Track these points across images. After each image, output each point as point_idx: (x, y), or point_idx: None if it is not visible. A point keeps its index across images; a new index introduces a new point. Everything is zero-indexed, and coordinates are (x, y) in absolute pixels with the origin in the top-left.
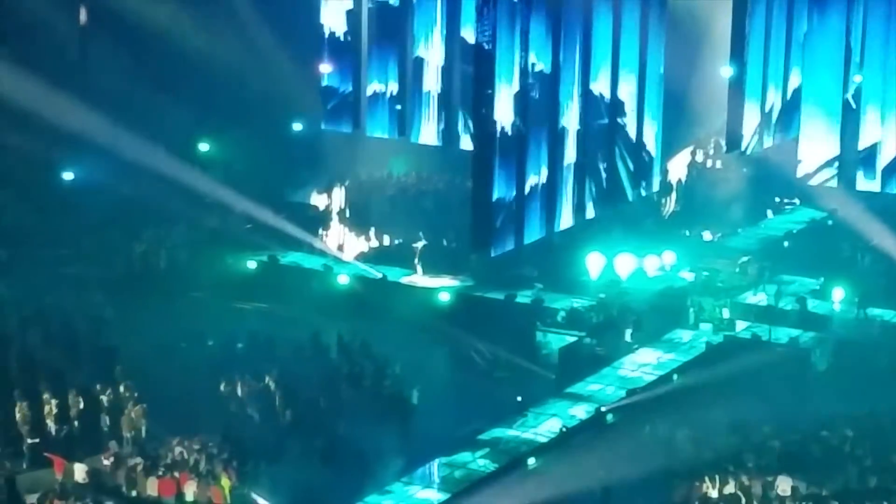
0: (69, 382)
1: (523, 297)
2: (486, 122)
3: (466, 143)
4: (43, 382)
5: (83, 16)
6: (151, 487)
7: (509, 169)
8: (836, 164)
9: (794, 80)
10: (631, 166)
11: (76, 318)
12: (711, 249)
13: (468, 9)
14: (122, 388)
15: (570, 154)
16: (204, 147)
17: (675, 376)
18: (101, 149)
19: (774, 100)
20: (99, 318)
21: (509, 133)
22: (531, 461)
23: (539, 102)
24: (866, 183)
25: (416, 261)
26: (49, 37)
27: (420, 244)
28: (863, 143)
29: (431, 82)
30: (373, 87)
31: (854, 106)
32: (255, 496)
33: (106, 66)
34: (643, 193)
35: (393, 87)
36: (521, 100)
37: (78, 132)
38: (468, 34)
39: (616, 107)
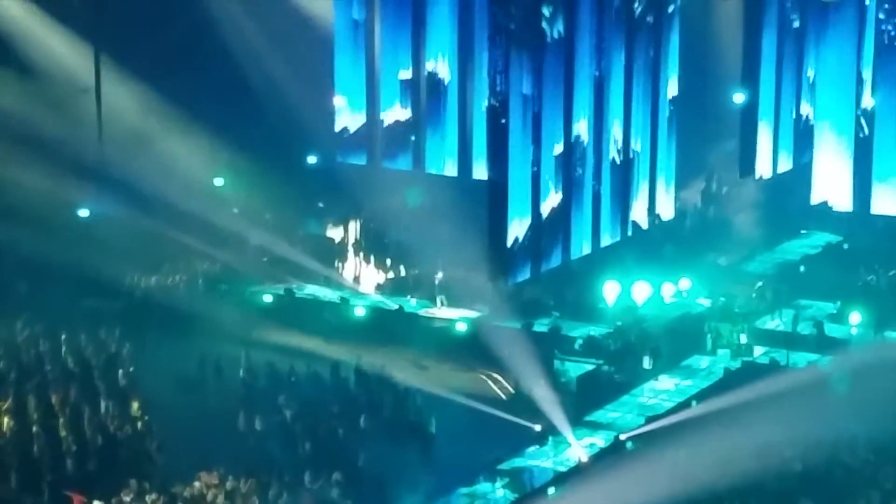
0: (88, 418)
1: (541, 326)
2: (501, 151)
3: (482, 173)
4: (61, 418)
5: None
6: None
7: (525, 198)
8: (851, 187)
9: (807, 105)
10: (646, 193)
11: (94, 352)
12: (727, 275)
13: (481, 38)
14: (139, 424)
15: (585, 182)
16: (219, 181)
17: (693, 403)
18: (118, 183)
19: (787, 124)
20: (116, 353)
21: (524, 162)
22: (551, 491)
23: (551, 132)
24: (882, 206)
25: (437, 292)
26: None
27: (440, 275)
28: (877, 165)
29: (445, 113)
30: (387, 119)
31: (867, 130)
32: None
33: (121, 100)
34: (658, 220)
35: (408, 118)
36: (535, 129)
37: (95, 167)
38: (481, 64)
39: (630, 134)
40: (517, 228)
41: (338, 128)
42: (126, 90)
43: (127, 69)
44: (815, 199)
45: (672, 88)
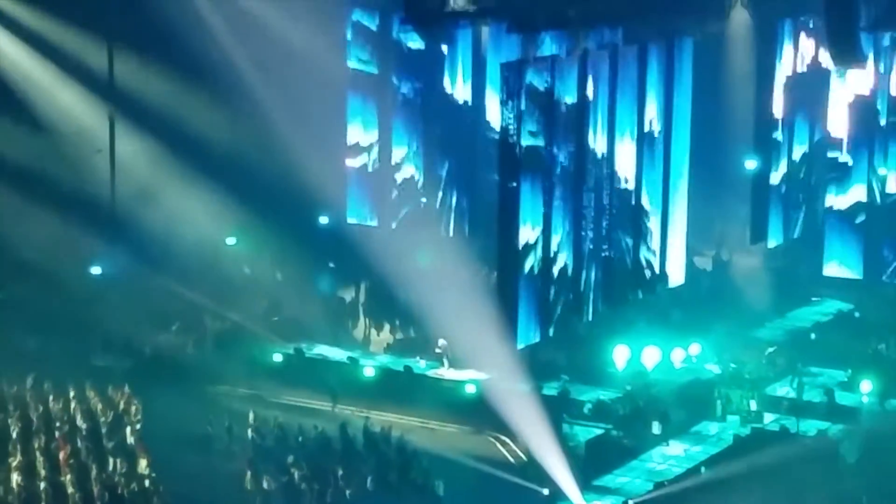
0: (95, 475)
1: (550, 389)
2: (511, 214)
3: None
4: (69, 475)
5: (112, 112)
6: None
7: (534, 261)
8: (862, 255)
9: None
10: (657, 258)
11: (102, 409)
12: (738, 341)
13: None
14: (147, 482)
15: (596, 246)
16: (231, 240)
17: (703, 469)
18: (130, 241)
19: (799, 192)
20: (125, 411)
21: (534, 226)
22: None
23: (564, 197)
24: (892, 274)
25: (444, 354)
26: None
27: (443, 343)
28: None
29: (454, 176)
30: (397, 181)
31: (878, 198)
32: None
33: (133, 160)
34: (669, 285)
35: (418, 179)
36: (547, 193)
37: (106, 225)
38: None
39: (641, 200)
40: (526, 291)
41: (350, 187)
42: (139, 149)
43: (140, 127)
44: (827, 265)
45: (684, 155)
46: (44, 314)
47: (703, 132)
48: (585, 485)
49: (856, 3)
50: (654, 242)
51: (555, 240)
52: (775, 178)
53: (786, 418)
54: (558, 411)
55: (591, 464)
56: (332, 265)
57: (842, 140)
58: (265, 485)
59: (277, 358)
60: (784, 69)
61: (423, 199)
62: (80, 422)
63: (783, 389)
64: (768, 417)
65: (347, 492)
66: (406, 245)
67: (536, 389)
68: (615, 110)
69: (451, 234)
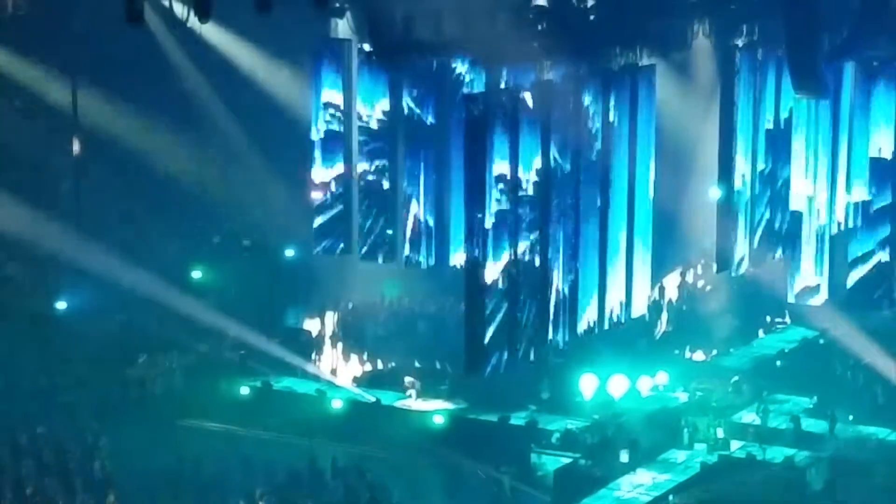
0: None
1: (518, 419)
2: (478, 245)
3: (459, 262)
4: None
5: (76, 147)
6: None
7: (501, 291)
8: (827, 282)
9: (782, 200)
10: (622, 287)
11: (70, 446)
12: (704, 369)
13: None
14: None
15: (559, 277)
16: (197, 274)
17: (671, 497)
18: (95, 277)
19: (763, 220)
20: (93, 445)
21: (500, 255)
22: None
23: (530, 225)
24: (857, 302)
25: (411, 384)
26: (42, 168)
27: (410, 381)
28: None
29: (420, 207)
30: (363, 213)
31: (843, 225)
32: None
33: (99, 196)
34: (634, 314)
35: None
36: (513, 223)
37: (71, 261)
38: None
39: (606, 229)
40: (494, 321)
41: (315, 223)
42: (107, 178)
43: (109, 152)
44: (792, 294)
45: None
46: (9, 350)
47: (667, 159)
48: None
49: (817, 34)
50: (619, 272)
51: (523, 270)
52: (740, 206)
53: (752, 445)
54: (526, 441)
55: (559, 493)
56: (298, 297)
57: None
58: None
59: (245, 391)
60: (746, 97)
61: (389, 231)
62: (47, 457)
63: (749, 416)
64: (735, 445)
65: None
66: (372, 276)
67: (504, 419)
68: (582, 150)
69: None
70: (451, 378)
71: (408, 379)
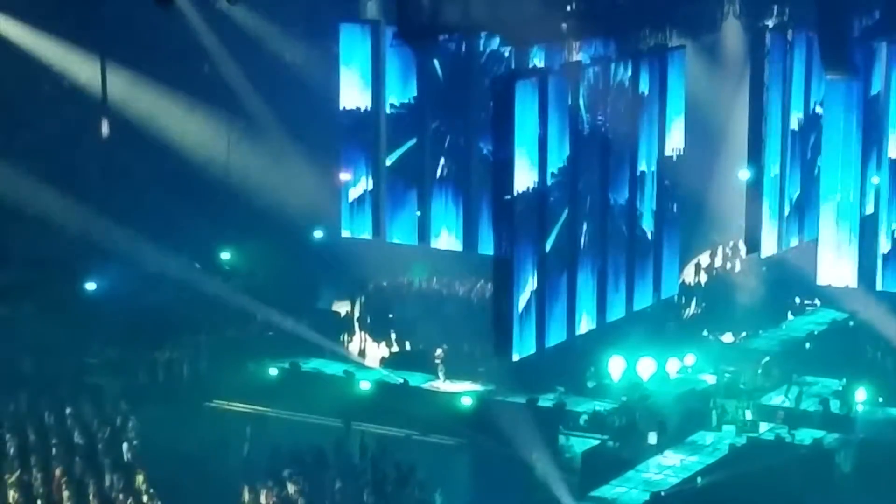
0: (93, 492)
1: (545, 401)
2: (505, 228)
3: (487, 248)
4: (66, 492)
5: (105, 128)
6: None
7: (529, 273)
8: (856, 264)
9: (812, 182)
10: (650, 270)
11: (99, 427)
12: (733, 351)
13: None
14: (144, 499)
15: (589, 259)
16: (225, 256)
17: (699, 479)
18: (124, 259)
19: (793, 202)
20: (122, 427)
21: (528, 238)
22: None
23: (557, 209)
24: (887, 283)
25: (439, 368)
26: (71, 149)
27: (440, 352)
28: (882, 243)
29: (450, 188)
30: (392, 194)
31: (873, 207)
32: None
33: (127, 178)
34: (663, 297)
35: (413, 193)
36: (540, 206)
37: (100, 243)
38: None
39: (634, 211)
40: (523, 303)
41: (347, 200)
42: (135, 160)
43: (138, 133)
44: (821, 276)
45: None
46: (38, 332)
47: (696, 141)
48: (581, 496)
49: (848, 14)
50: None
51: (550, 253)
52: (769, 187)
53: (781, 428)
54: (554, 423)
55: (586, 475)
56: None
57: None
58: (262, 500)
59: (273, 372)
60: (776, 78)
61: (418, 213)
62: (76, 438)
63: (779, 399)
64: (763, 427)
65: None
66: (401, 258)
67: (532, 401)
68: (608, 134)
69: (446, 246)
70: (480, 360)
71: (438, 351)
